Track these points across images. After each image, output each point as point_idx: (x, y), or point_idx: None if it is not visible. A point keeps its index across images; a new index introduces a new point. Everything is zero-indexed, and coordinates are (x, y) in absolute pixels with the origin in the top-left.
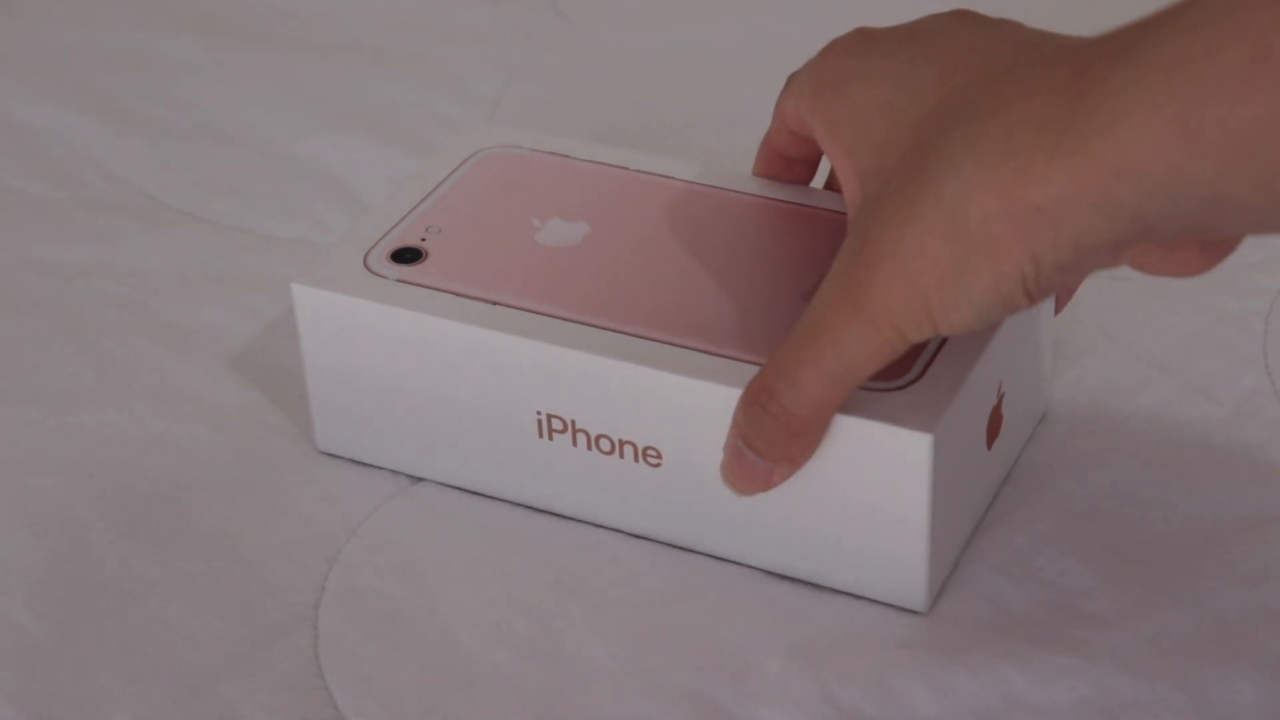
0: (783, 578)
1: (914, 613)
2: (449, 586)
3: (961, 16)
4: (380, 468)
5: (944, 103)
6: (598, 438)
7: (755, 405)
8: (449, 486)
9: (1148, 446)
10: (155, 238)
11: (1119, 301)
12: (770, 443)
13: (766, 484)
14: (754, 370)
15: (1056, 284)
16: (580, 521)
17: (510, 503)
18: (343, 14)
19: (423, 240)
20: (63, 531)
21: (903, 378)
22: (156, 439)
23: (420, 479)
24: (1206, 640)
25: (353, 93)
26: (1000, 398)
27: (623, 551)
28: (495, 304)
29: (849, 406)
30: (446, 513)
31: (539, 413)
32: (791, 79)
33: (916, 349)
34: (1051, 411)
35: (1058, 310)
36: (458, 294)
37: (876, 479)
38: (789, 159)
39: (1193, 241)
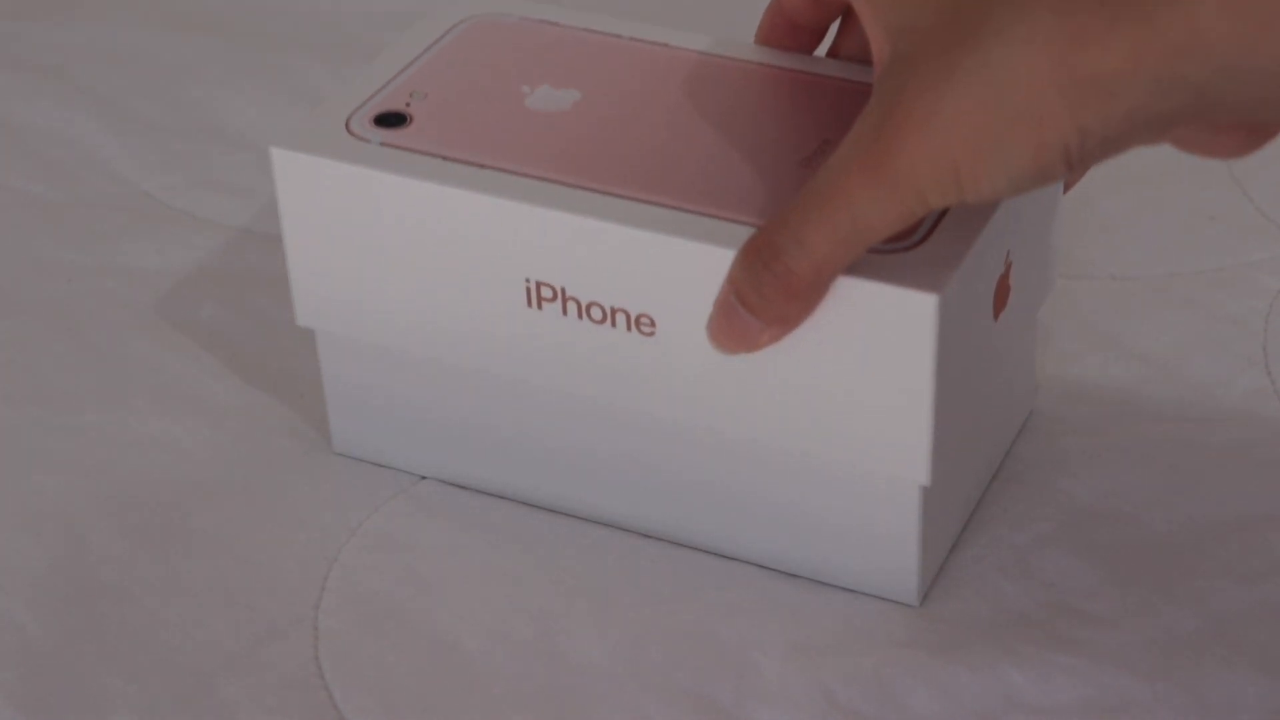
0: (784, 573)
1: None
2: (449, 586)
3: None
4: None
5: None
6: (589, 306)
7: (756, 260)
8: (449, 484)
9: (1147, 446)
10: (155, 238)
11: (1119, 301)
12: (765, 300)
13: (754, 344)
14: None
15: (1099, 157)
16: (572, 394)
17: (510, 494)
18: (342, 14)
19: (407, 105)
20: (63, 531)
21: (907, 240)
22: (156, 439)
23: (423, 477)
24: (1206, 640)
25: None
26: (1008, 266)
27: (623, 550)
28: (482, 167)
29: (850, 267)
30: (447, 512)
31: (528, 280)
32: None
33: None
34: (1051, 411)
35: (1066, 189)
36: (443, 157)
37: (878, 344)
38: (796, 26)
39: (1240, 124)
